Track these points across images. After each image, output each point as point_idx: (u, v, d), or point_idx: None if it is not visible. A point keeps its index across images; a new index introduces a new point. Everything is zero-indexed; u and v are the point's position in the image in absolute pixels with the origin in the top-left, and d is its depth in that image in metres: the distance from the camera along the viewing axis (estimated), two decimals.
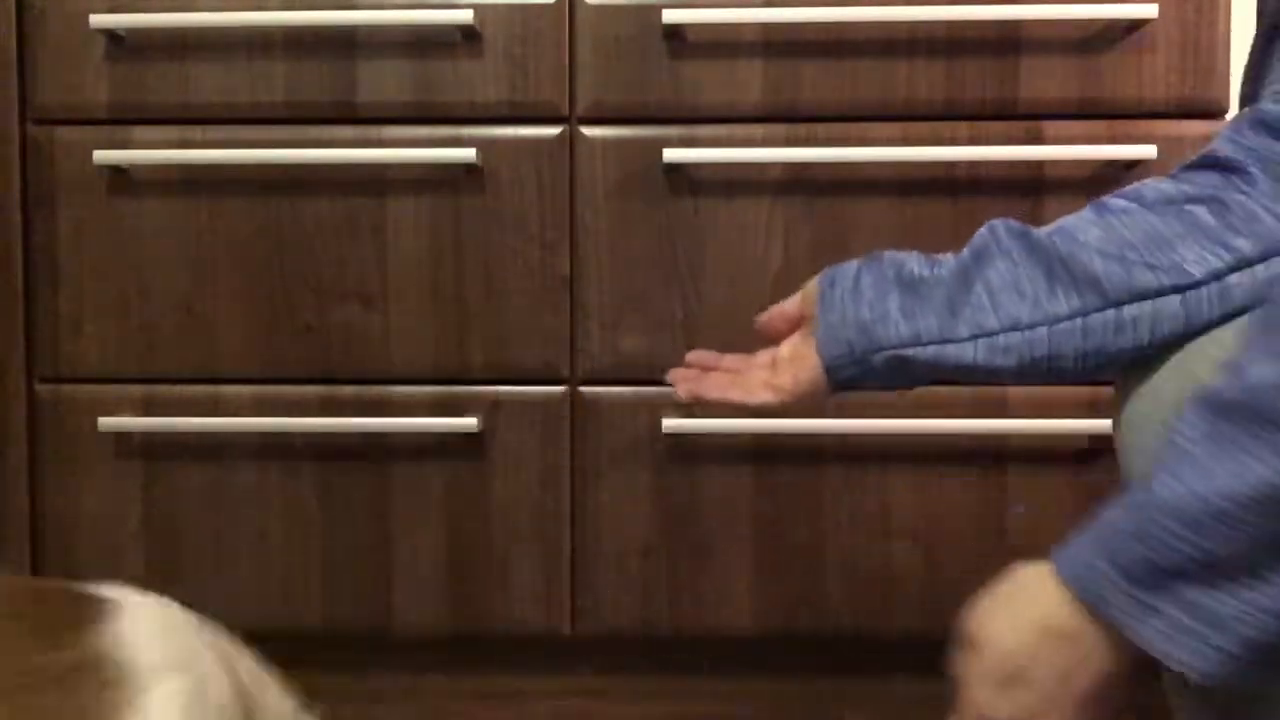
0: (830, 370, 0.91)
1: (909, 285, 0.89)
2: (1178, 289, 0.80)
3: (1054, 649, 0.76)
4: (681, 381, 1.00)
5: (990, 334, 0.86)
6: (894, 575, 1.40)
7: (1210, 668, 0.69)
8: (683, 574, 1.41)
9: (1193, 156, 0.88)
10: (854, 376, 0.91)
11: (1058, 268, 0.84)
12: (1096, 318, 0.83)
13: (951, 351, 0.87)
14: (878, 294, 0.89)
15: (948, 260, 0.89)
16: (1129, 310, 0.82)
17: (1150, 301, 0.81)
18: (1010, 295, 0.85)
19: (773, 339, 1.00)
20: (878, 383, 0.92)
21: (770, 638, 1.42)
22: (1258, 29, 0.91)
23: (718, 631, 1.41)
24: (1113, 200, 0.87)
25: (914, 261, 0.90)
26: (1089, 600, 0.73)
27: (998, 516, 1.39)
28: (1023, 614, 0.79)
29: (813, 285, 0.94)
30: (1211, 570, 0.68)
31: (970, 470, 1.39)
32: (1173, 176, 0.87)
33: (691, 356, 1.02)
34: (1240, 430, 0.67)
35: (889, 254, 0.91)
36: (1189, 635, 0.69)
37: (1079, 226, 0.85)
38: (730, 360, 1.00)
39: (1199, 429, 0.70)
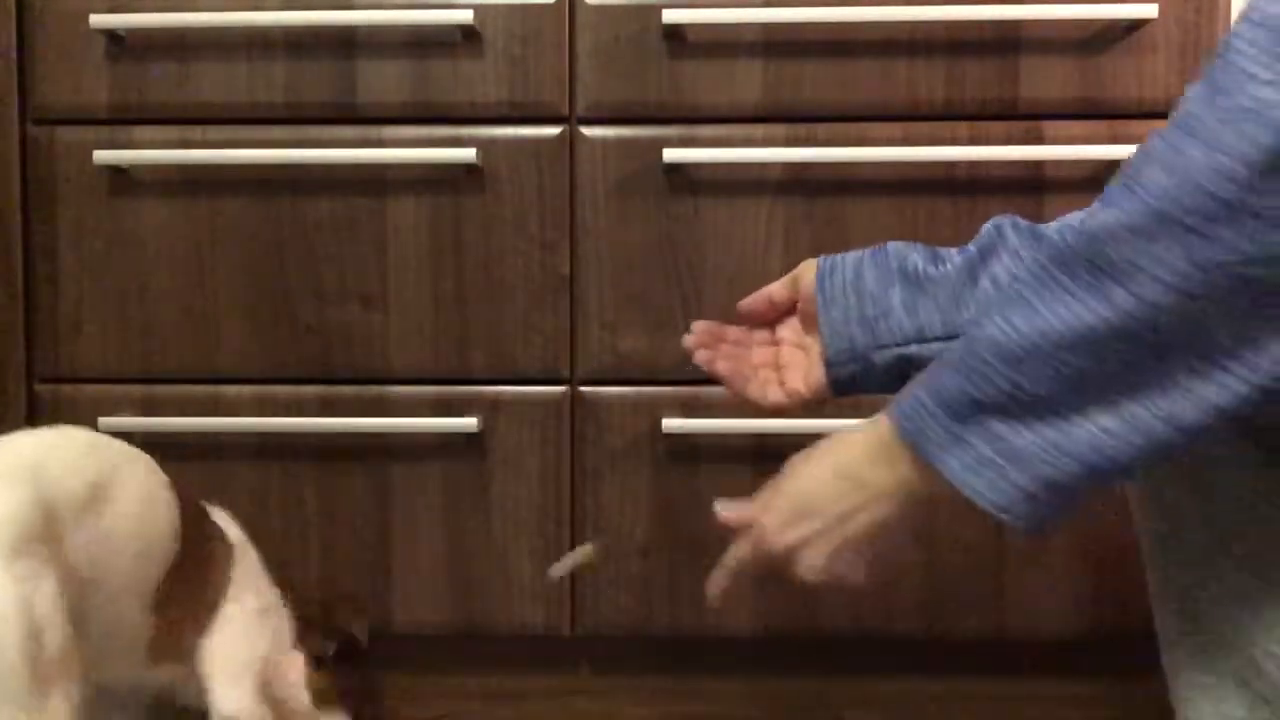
0: (832, 365, 0.90)
1: (913, 280, 0.88)
2: None
3: (841, 491, 0.79)
4: (699, 348, 0.99)
5: None
6: (894, 575, 1.40)
7: (1005, 502, 0.71)
8: (682, 574, 1.41)
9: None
10: (856, 375, 0.90)
11: (1069, 262, 0.84)
12: None
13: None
14: (880, 288, 0.88)
15: (952, 256, 0.89)
16: None
17: None
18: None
19: (754, 324, 1.00)
20: (879, 384, 0.91)
21: (770, 638, 1.42)
22: None
23: (718, 631, 1.41)
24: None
25: (918, 255, 0.89)
26: (910, 435, 0.75)
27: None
28: (825, 460, 0.82)
29: (807, 271, 0.93)
30: (1020, 406, 0.69)
31: None
32: None
33: (698, 326, 1.02)
34: (1069, 275, 0.68)
35: (893, 245, 0.91)
36: (989, 468, 0.71)
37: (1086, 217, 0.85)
38: (734, 332, 1.01)
39: (1033, 274, 0.71)
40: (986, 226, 0.89)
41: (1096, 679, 1.44)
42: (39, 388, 1.43)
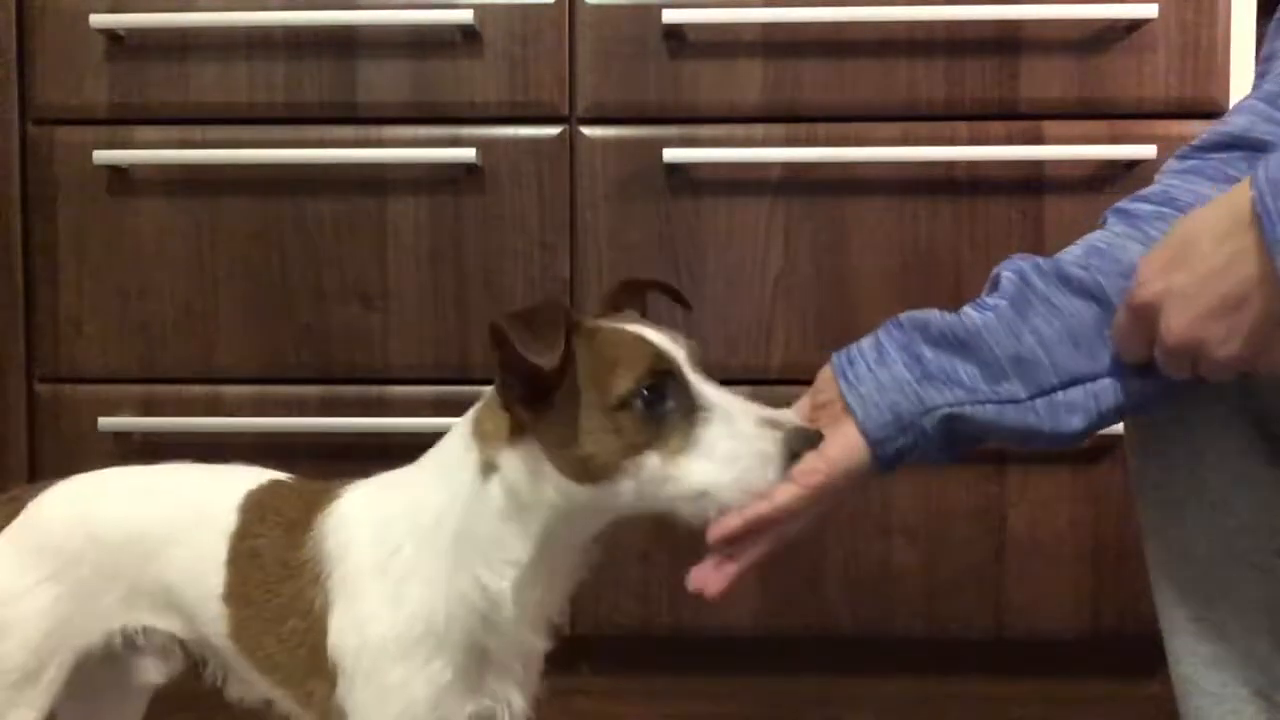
0: (877, 444, 0.79)
1: (944, 341, 0.79)
2: None
3: (1222, 234, 0.69)
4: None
5: (1049, 391, 0.78)
6: (894, 575, 1.40)
7: None
8: (682, 574, 1.40)
9: (1207, 133, 0.82)
10: (904, 448, 0.79)
11: (1105, 308, 0.77)
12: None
13: (1011, 414, 0.78)
14: (910, 356, 0.79)
15: (974, 313, 0.80)
16: None
17: None
18: (1066, 346, 0.77)
19: None
20: (929, 451, 0.80)
21: (770, 638, 1.42)
22: None
23: (717, 631, 1.41)
24: (1140, 205, 0.81)
25: (937, 318, 0.80)
26: (1262, 209, 0.65)
27: (998, 516, 1.39)
28: (1220, 202, 0.71)
29: (825, 375, 0.83)
30: None
31: (970, 470, 1.39)
32: (1190, 158, 0.82)
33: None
34: None
35: (906, 316, 0.82)
36: None
37: (1115, 244, 0.79)
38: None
39: None
40: (1006, 275, 0.81)
41: (1096, 679, 1.43)
42: (39, 388, 1.43)
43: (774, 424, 0.76)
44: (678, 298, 0.92)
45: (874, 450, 0.79)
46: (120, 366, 1.42)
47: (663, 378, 0.77)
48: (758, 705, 1.45)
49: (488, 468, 0.82)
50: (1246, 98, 0.83)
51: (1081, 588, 1.39)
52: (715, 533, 0.77)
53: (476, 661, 0.85)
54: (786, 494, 0.76)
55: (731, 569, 0.79)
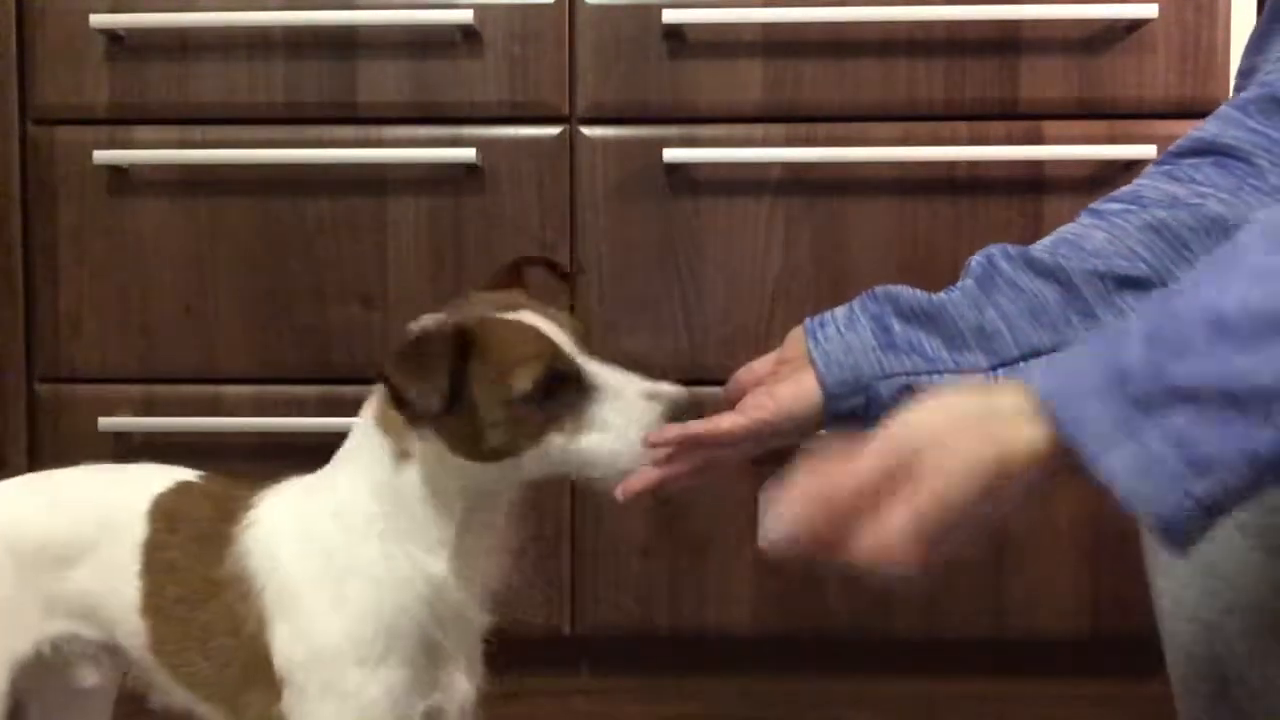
0: (832, 399, 0.82)
1: (913, 315, 0.83)
2: None
3: (959, 433, 0.63)
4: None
5: (1010, 362, 0.80)
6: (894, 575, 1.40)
7: (1173, 515, 0.58)
8: (682, 573, 1.41)
9: (1184, 138, 0.83)
10: (856, 408, 0.83)
11: (1068, 290, 0.79)
12: None
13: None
14: (879, 326, 0.83)
15: (943, 293, 0.83)
16: None
17: None
18: (1026, 321, 0.80)
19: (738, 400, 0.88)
20: (880, 417, 0.77)
21: (770, 638, 1.42)
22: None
23: (717, 631, 1.41)
24: (1109, 205, 0.83)
25: (907, 293, 0.84)
26: (1064, 421, 0.60)
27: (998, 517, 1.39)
28: (956, 407, 0.64)
29: (795, 334, 0.86)
30: (1226, 400, 0.55)
31: None
32: (1164, 163, 0.83)
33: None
34: None
35: (881, 289, 0.85)
36: (1163, 471, 0.57)
37: (1081, 233, 0.81)
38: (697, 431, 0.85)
39: (1265, 246, 0.57)
40: (975, 260, 0.83)
41: (1096, 679, 1.43)
42: (39, 388, 1.43)
43: (657, 395, 0.83)
44: (560, 273, 0.98)
45: (827, 403, 0.82)
46: (120, 366, 1.42)
47: (558, 370, 0.82)
48: (757, 705, 1.45)
49: (402, 455, 0.85)
50: (1223, 105, 0.84)
51: (1081, 588, 1.39)
52: (654, 439, 0.82)
53: (427, 655, 0.86)
54: (729, 420, 0.82)
55: (654, 473, 0.83)
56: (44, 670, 0.96)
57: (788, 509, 0.66)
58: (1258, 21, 0.88)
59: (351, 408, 1.42)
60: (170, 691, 0.93)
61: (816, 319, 0.85)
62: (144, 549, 0.91)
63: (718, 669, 1.46)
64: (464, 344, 0.80)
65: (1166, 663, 0.88)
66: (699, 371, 1.38)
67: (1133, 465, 0.58)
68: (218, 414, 1.41)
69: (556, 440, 0.82)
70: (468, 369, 0.80)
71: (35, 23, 1.40)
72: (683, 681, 1.46)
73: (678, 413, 0.82)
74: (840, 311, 0.85)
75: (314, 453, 1.40)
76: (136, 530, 0.91)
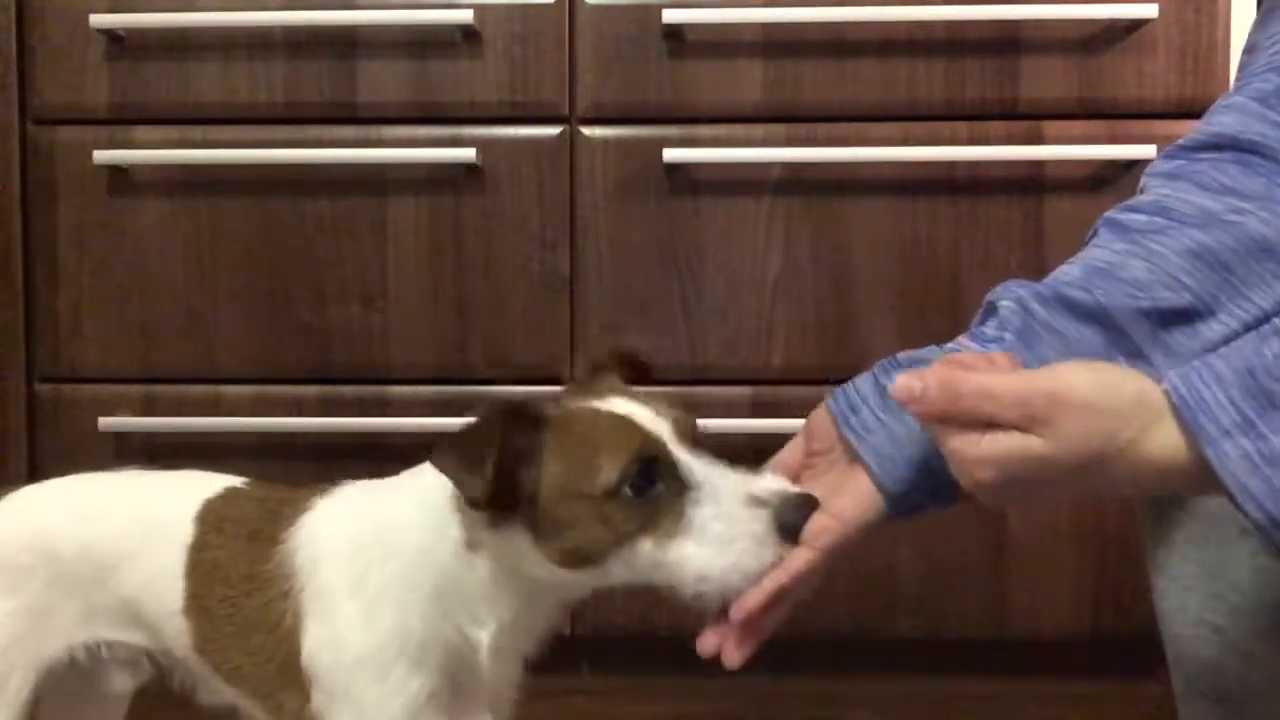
0: (895, 499, 0.75)
1: None
2: (1246, 327, 0.72)
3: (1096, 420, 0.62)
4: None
5: None
6: (894, 575, 1.40)
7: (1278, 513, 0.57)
8: None
9: (1194, 132, 0.79)
10: (922, 500, 0.76)
11: (1113, 332, 0.74)
12: None
13: None
14: None
15: (976, 348, 0.76)
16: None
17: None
18: None
19: None
20: (947, 498, 0.76)
21: (771, 637, 1.42)
22: None
23: None
24: (1133, 217, 0.77)
25: (934, 356, 0.76)
26: (1184, 405, 0.59)
27: (998, 517, 1.39)
28: (1112, 386, 0.63)
29: (819, 418, 0.80)
30: None
31: None
32: (1176, 157, 0.79)
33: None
34: None
35: (903, 355, 0.78)
36: (1274, 468, 0.57)
37: (1116, 262, 0.75)
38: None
39: None
40: (1005, 305, 0.76)
41: (1096, 679, 1.43)
42: (39, 388, 1.43)
43: (762, 501, 0.74)
44: (645, 374, 0.87)
45: (889, 504, 0.76)
46: (120, 366, 1.42)
47: (649, 461, 0.74)
48: (757, 705, 1.45)
49: (470, 545, 0.79)
50: (1232, 94, 0.80)
51: (1081, 588, 1.39)
52: (738, 613, 0.75)
53: (450, 684, 0.84)
54: (801, 559, 0.74)
55: (753, 643, 0.78)
56: (69, 673, 0.95)
57: (924, 378, 0.66)
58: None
59: (351, 408, 1.43)
60: (219, 690, 0.93)
61: (843, 400, 0.78)
62: (190, 550, 0.89)
63: (717, 669, 1.45)
64: (530, 432, 0.74)
65: (1168, 663, 0.88)
66: (699, 371, 1.38)
67: (1247, 458, 0.58)
68: (218, 414, 1.41)
69: (645, 545, 0.74)
70: (541, 460, 0.74)
71: (35, 23, 1.40)
72: (683, 681, 1.46)
73: (792, 519, 0.73)
74: (867, 389, 0.78)
75: (314, 453, 1.41)
76: (184, 533, 0.90)
